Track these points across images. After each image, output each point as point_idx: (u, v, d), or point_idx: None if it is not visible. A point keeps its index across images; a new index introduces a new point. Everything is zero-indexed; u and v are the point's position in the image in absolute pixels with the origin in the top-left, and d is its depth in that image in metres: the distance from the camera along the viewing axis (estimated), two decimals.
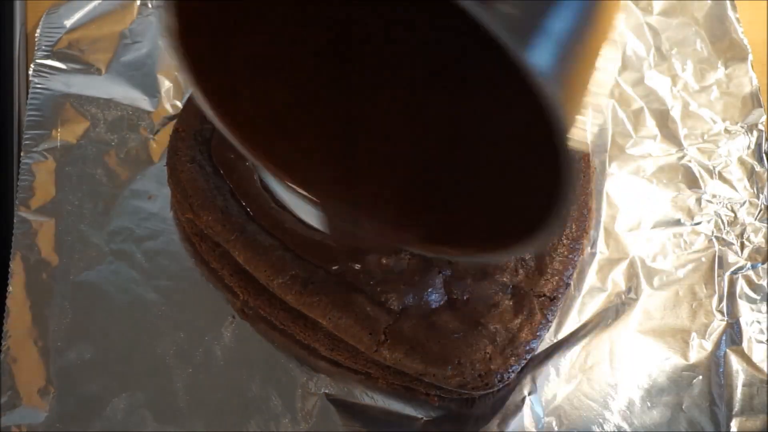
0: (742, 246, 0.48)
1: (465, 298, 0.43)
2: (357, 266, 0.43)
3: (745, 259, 0.48)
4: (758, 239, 0.48)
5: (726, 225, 0.49)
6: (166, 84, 0.52)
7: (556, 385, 0.44)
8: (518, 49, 0.22)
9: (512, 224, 0.30)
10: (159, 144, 0.50)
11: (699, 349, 0.45)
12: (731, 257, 0.48)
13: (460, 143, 0.35)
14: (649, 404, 0.44)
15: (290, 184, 0.36)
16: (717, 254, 0.48)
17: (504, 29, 0.22)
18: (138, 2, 0.55)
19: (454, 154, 0.35)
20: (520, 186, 0.31)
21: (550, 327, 0.45)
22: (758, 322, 0.46)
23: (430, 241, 0.34)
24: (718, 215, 0.49)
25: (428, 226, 0.35)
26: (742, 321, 0.46)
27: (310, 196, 0.37)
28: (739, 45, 0.54)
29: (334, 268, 0.42)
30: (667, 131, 0.51)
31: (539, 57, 0.23)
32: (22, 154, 0.48)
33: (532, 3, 0.24)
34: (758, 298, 0.47)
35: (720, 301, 0.46)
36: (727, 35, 0.54)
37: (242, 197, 0.45)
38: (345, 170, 0.36)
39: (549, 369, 0.44)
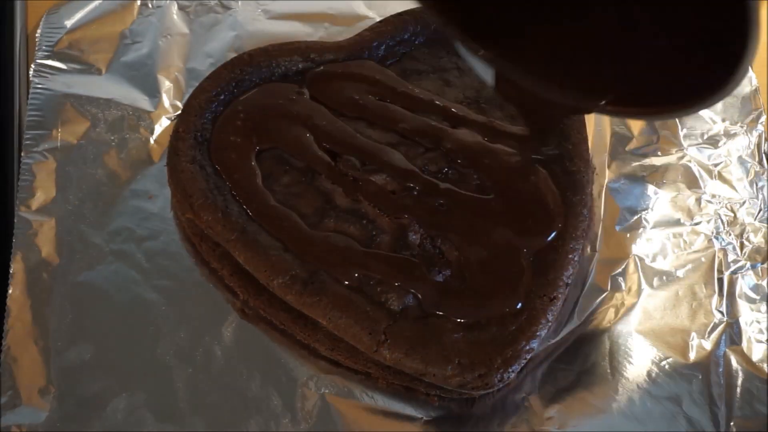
0: (742, 246, 0.48)
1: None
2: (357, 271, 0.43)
3: (745, 259, 0.48)
4: (758, 239, 0.48)
5: (726, 225, 0.49)
6: (166, 84, 0.52)
7: (556, 385, 0.44)
8: None
9: (698, 80, 0.32)
10: (159, 144, 0.50)
11: (699, 349, 0.45)
12: (731, 257, 0.48)
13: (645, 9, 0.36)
14: (649, 404, 0.44)
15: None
16: (717, 254, 0.48)
17: None
18: (138, 2, 0.55)
19: (639, 20, 0.36)
20: (704, 41, 0.32)
21: (550, 327, 0.45)
22: (758, 322, 0.46)
23: (615, 103, 0.36)
24: (718, 215, 0.49)
25: (615, 87, 0.37)
26: (742, 321, 0.46)
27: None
28: None
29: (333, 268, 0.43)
30: (667, 131, 0.52)
31: None
32: (22, 154, 0.48)
33: None
34: (758, 298, 0.47)
35: (720, 300, 0.46)
36: None
37: (242, 197, 0.45)
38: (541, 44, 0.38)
39: (549, 369, 0.44)
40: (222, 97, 0.48)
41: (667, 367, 0.45)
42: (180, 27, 0.54)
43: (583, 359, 0.45)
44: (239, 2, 0.56)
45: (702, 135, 0.52)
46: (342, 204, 0.45)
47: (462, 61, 0.51)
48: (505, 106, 0.49)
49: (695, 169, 0.50)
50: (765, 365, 0.45)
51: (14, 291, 0.44)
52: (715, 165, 0.51)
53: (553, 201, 0.46)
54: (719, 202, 0.49)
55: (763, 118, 0.52)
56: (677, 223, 0.49)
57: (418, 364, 0.41)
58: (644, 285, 0.47)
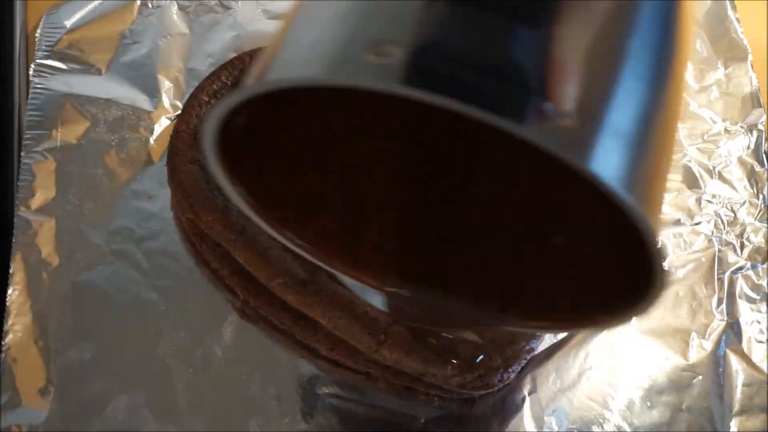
0: (742, 246, 0.48)
1: None
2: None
3: (745, 259, 0.48)
4: (758, 239, 0.48)
5: (726, 225, 0.49)
6: (166, 84, 0.52)
7: (556, 385, 0.44)
8: (583, 165, 0.20)
9: (597, 304, 0.30)
10: (159, 144, 0.50)
11: (699, 349, 0.45)
12: (731, 257, 0.48)
13: (535, 238, 0.34)
14: (648, 404, 0.44)
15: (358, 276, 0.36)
16: (717, 254, 0.48)
17: (561, 147, 0.20)
18: (138, 2, 0.55)
19: (531, 246, 0.35)
20: (601, 274, 0.30)
21: None
22: (758, 322, 0.46)
23: (515, 317, 0.34)
24: (718, 215, 0.49)
25: (510, 302, 0.34)
26: (742, 321, 0.46)
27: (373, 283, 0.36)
28: (738, 45, 0.54)
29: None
30: None
31: (608, 166, 0.21)
32: (22, 154, 0.48)
33: (589, 104, 0.21)
34: (758, 298, 0.47)
35: (720, 301, 0.46)
36: (726, 35, 0.54)
37: None
38: (425, 261, 0.36)
39: (549, 369, 0.44)
40: (222, 96, 0.48)
41: (667, 367, 0.45)
42: (180, 27, 0.54)
43: (583, 359, 0.45)
44: (239, 2, 0.56)
45: (702, 135, 0.52)
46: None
47: None
48: None
49: (695, 169, 0.50)
50: (765, 365, 0.45)
51: (14, 291, 0.44)
52: (715, 165, 0.51)
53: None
54: (719, 202, 0.49)
55: (763, 118, 0.52)
56: (677, 223, 0.49)
57: (418, 364, 0.41)
58: None
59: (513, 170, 0.31)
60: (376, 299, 0.39)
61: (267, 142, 0.30)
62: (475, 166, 0.33)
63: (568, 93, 0.21)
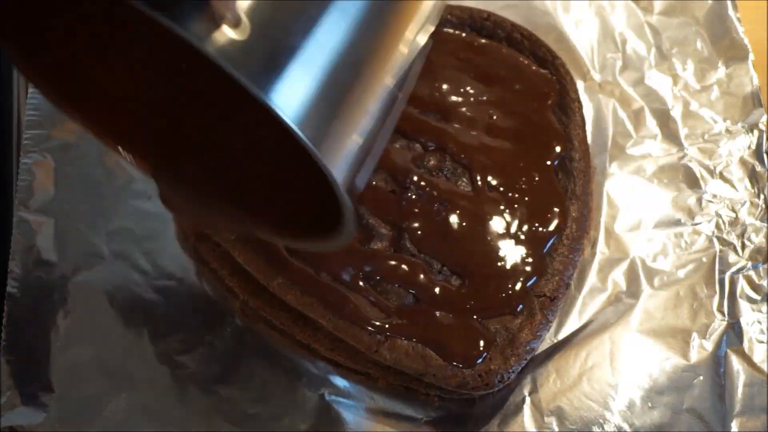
0: (743, 246, 0.48)
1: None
2: (356, 269, 0.43)
3: (746, 259, 0.48)
4: (759, 239, 0.48)
5: (727, 225, 0.49)
6: None
7: (556, 385, 0.44)
8: (258, 90, 0.20)
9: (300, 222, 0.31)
10: None
11: (699, 350, 0.45)
12: (732, 257, 0.48)
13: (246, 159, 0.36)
14: (649, 404, 0.44)
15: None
16: (718, 254, 0.48)
17: (233, 66, 0.19)
18: None
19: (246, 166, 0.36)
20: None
21: (550, 327, 0.45)
22: (759, 322, 0.46)
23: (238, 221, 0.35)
24: (719, 215, 0.49)
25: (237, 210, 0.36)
26: (743, 321, 0.46)
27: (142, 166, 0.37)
28: (739, 44, 0.54)
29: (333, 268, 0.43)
30: (668, 131, 0.51)
31: (286, 96, 0.20)
32: (21, 153, 0.48)
33: (269, 21, 0.20)
34: (759, 298, 0.46)
35: (721, 301, 0.46)
36: (727, 35, 0.54)
37: None
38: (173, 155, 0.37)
39: (549, 369, 0.44)
40: None
41: (667, 367, 0.45)
42: None
43: (583, 360, 0.45)
44: None
45: (703, 135, 0.51)
46: None
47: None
48: (505, 103, 0.49)
49: (696, 169, 0.50)
50: (766, 366, 0.44)
51: (13, 291, 0.44)
52: (716, 165, 0.50)
53: (556, 202, 0.46)
54: (720, 202, 0.49)
55: (764, 118, 0.52)
56: (678, 223, 0.49)
57: (418, 364, 0.41)
58: (645, 285, 0.47)
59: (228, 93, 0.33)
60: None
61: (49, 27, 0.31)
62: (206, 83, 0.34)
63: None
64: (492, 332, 0.42)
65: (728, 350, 0.45)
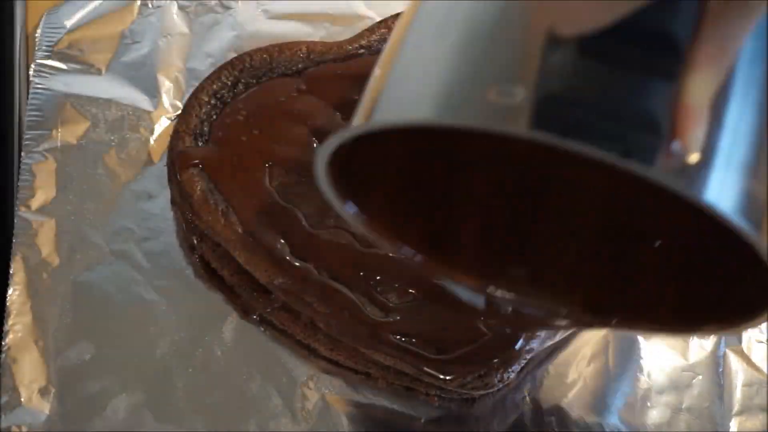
0: None
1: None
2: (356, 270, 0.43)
3: None
4: None
5: None
6: (166, 84, 0.52)
7: (556, 384, 0.44)
8: (698, 196, 0.21)
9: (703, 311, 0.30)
10: (159, 144, 0.50)
11: (699, 349, 0.45)
12: None
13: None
14: (648, 404, 0.44)
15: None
16: None
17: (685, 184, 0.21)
18: (138, 2, 0.55)
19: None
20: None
21: None
22: None
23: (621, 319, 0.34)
24: None
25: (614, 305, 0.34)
26: None
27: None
28: None
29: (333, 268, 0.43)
30: None
31: (723, 195, 0.21)
32: (22, 154, 0.48)
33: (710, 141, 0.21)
34: None
35: None
36: None
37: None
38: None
39: (549, 369, 0.44)
40: (222, 96, 0.48)
41: (666, 367, 0.45)
42: (180, 27, 0.54)
43: (583, 360, 0.45)
44: (239, 2, 0.56)
45: None
46: None
47: None
48: None
49: None
50: (765, 366, 0.45)
51: (14, 291, 0.44)
52: None
53: None
54: None
55: None
56: None
57: (419, 363, 0.41)
58: None
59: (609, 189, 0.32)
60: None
61: (371, 165, 0.30)
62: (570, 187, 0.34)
63: (693, 135, 0.21)
64: (491, 332, 0.42)
65: (727, 350, 0.45)
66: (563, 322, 0.36)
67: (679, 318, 0.32)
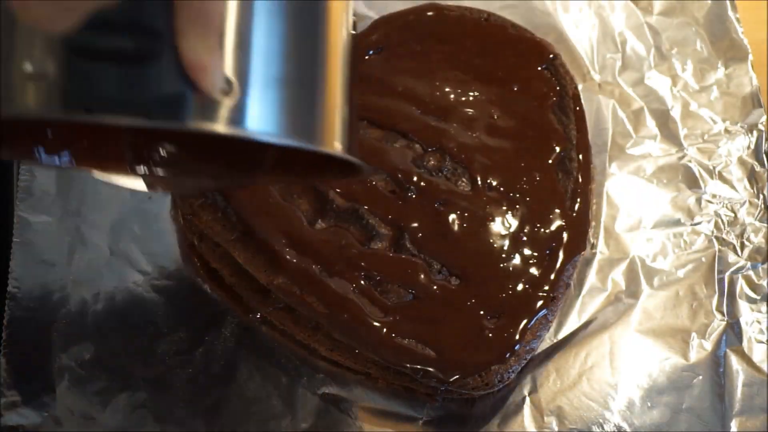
0: (742, 246, 0.48)
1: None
2: (357, 270, 0.43)
3: (745, 259, 0.48)
4: (758, 239, 0.48)
5: (726, 225, 0.49)
6: None
7: (556, 384, 0.44)
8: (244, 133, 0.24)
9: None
10: None
11: (699, 349, 0.45)
12: (731, 257, 0.48)
13: None
14: (649, 404, 0.44)
15: None
16: (717, 254, 0.48)
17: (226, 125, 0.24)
18: None
19: None
20: None
21: (550, 327, 0.45)
22: (758, 322, 0.46)
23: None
24: (718, 215, 0.49)
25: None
26: (742, 321, 0.46)
27: None
28: (739, 45, 0.54)
29: (333, 267, 0.43)
30: (667, 131, 0.51)
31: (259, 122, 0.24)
32: None
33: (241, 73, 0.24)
34: (758, 298, 0.47)
35: (720, 301, 0.46)
36: (727, 35, 0.54)
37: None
38: None
39: (549, 369, 0.44)
40: None
41: (667, 367, 0.45)
42: None
43: (583, 359, 0.45)
44: None
45: (702, 135, 0.51)
46: (341, 203, 0.45)
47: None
48: (505, 103, 0.49)
49: (695, 169, 0.50)
50: (765, 365, 0.45)
51: (14, 290, 0.44)
52: (716, 165, 0.50)
53: (556, 202, 0.46)
54: (719, 202, 0.49)
55: (764, 118, 0.52)
56: (677, 223, 0.49)
57: (418, 363, 0.41)
58: (644, 285, 0.47)
59: None
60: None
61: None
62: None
63: (214, 74, 0.23)
64: (492, 332, 0.42)
65: (727, 350, 0.45)
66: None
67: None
